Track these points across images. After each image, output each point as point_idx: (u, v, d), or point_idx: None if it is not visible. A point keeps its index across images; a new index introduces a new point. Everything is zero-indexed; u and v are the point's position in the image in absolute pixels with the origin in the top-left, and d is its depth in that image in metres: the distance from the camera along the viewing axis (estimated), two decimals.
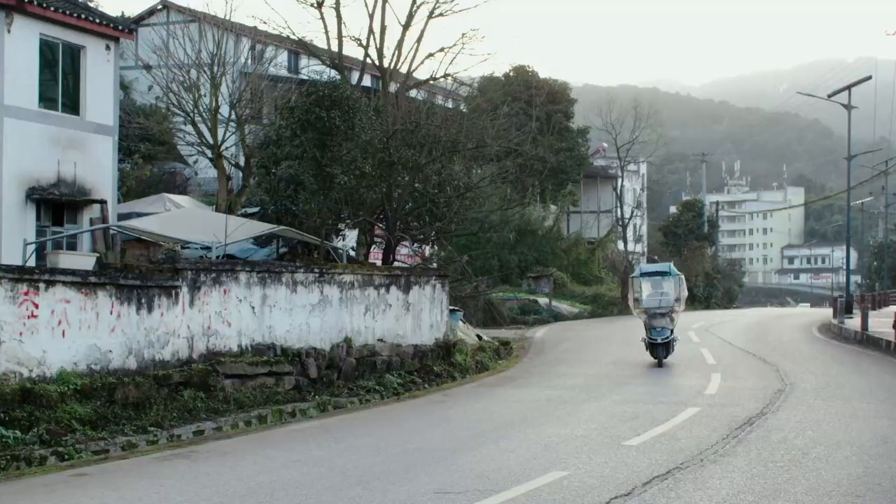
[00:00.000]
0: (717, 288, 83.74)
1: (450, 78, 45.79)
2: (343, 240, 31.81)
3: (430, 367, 27.68)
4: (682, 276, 31.66)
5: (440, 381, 26.86)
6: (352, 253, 32.41)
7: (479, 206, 38.71)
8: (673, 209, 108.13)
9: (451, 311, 32.05)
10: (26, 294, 17.53)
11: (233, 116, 40.05)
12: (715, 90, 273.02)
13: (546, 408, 20.77)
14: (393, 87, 41.63)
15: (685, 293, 31.34)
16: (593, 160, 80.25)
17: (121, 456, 16.16)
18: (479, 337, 36.78)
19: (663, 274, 31.39)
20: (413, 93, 44.78)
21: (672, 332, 29.85)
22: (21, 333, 17.41)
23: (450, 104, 48.82)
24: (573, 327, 46.90)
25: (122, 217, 32.97)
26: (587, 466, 14.03)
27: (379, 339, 26.53)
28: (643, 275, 31.78)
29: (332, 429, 18.77)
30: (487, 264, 50.16)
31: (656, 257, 59.79)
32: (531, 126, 46.60)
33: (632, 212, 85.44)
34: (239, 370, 21.28)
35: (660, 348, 29.55)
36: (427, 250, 37.01)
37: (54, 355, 17.96)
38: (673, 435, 16.87)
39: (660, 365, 29.18)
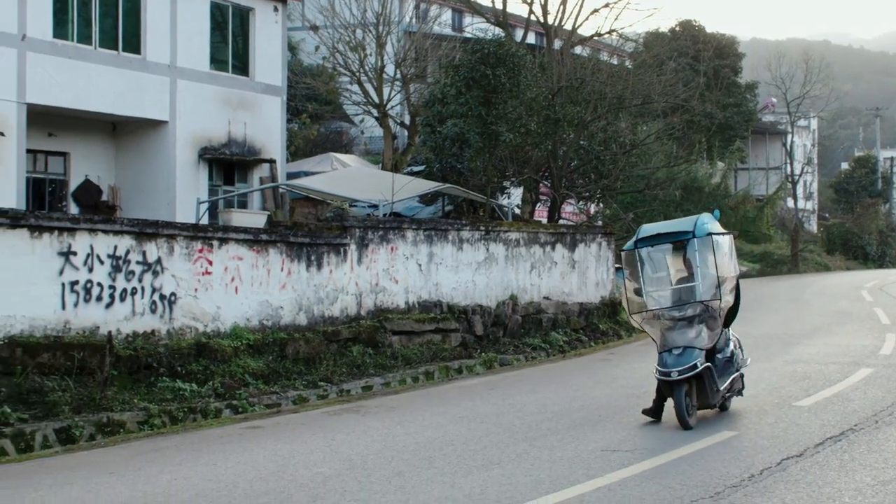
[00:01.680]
0: (891, 246, 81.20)
1: (615, 34, 45.22)
2: (508, 197, 31.81)
3: (596, 325, 27.55)
4: (729, 237, 15.31)
5: (606, 340, 26.71)
6: (517, 211, 32.39)
7: (645, 163, 38.23)
8: (845, 165, 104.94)
9: (617, 268, 31.76)
10: (201, 251, 17.99)
11: (398, 76, 40.26)
12: (889, 42, 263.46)
13: None
14: (557, 44, 41.27)
15: (735, 267, 15.35)
16: (761, 116, 78.41)
17: (292, 410, 16.52)
18: None
19: (680, 238, 14.97)
20: (577, 49, 44.35)
21: (715, 352, 14.52)
22: (196, 290, 17.88)
23: (614, 61, 48.25)
24: (741, 286, 46.06)
25: (290, 176, 33.55)
26: (757, 427, 13.80)
27: (544, 297, 26.47)
28: (641, 242, 15.13)
29: (497, 385, 18.84)
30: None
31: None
32: (698, 81, 45.55)
33: (802, 168, 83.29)
34: (406, 327, 21.48)
35: (680, 391, 13.76)
36: (592, 208, 36.77)
37: (228, 311, 18.40)
38: (846, 396, 16.44)
39: (685, 427, 13.61)
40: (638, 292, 15.05)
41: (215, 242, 18.27)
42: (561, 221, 33.03)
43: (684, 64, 54.45)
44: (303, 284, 19.86)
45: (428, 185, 27.69)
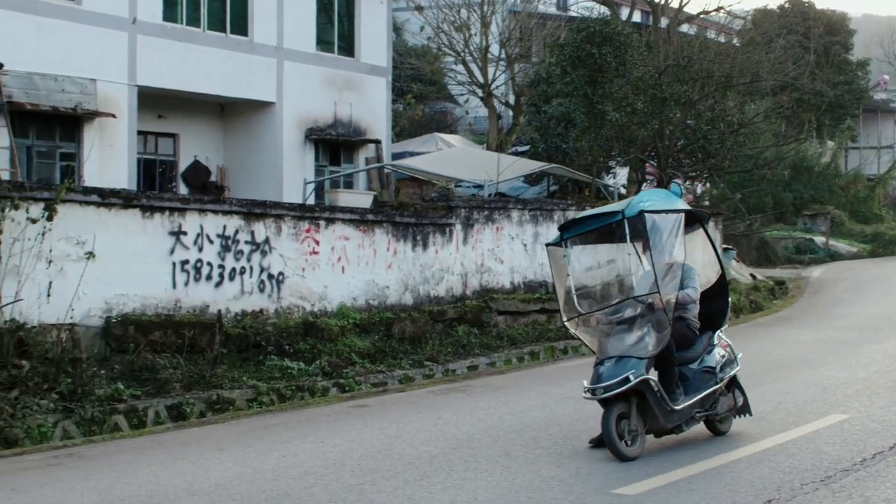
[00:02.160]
0: None
1: (722, 11, 44.62)
2: (614, 177, 31.58)
3: None
4: (675, 217, 11.40)
5: None
6: (622, 191, 32.12)
7: (753, 143, 37.64)
8: None
9: (725, 249, 31.37)
10: (308, 231, 18.15)
11: (502, 55, 40.15)
12: None
13: (823, 349, 20.12)
14: (664, 22, 40.82)
15: (710, 254, 12.79)
16: (873, 93, 76.74)
17: (398, 389, 16.59)
18: (753, 276, 35.89)
19: (609, 221, 11.57)
20: (684, 28, 43.83)
21: (689, 361, 11.56)
22: (303, 269, 18.05)
23: (722, 38, 47.57)
24: (851, 267, 45.18)
25: (395, 156, 33.66)
26: (868, 410, 13.50)
27: None
28: (568, 231, 11.91)
29: None
30: (761, 202, 48.80)
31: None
32: (808, 59, 44.74)
33: None
34: (511, 307, 21.47)
35: (610, 412, 10.66)
36: (699, 188, 36.34)
37: (334, 290, 18.55)
38: None
39: (620, 458, 10.52)
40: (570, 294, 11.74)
41: (322, 222, 18.42)
42: None
43: (794, 41, 53.52)
44: (408, 264, 19.94)
45: (533, 166, 27.59)
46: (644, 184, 34.12)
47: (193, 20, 27.87)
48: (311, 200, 27.46)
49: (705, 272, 12.25)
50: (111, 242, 15.26)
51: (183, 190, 28.81)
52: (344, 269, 18.70)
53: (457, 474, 10.03)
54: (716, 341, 11.83)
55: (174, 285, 16.21)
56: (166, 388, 14.56)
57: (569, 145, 27.92)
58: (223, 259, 16.87)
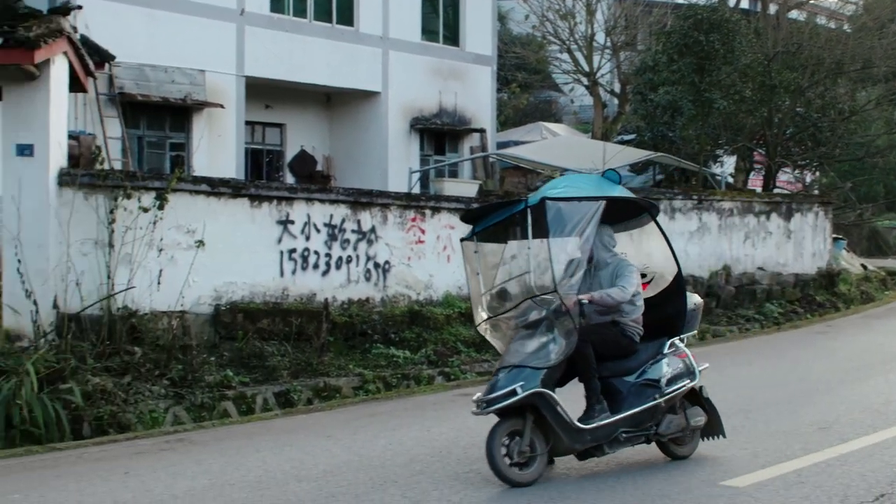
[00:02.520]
0: None
1: None
2: (721, 166, 31.19)
3: (812, 297, 26.77)
4: (590, 205, 9.62)
5: (823, 312, 25.94)
6: (730, 179, 31.74)
7: (864, 131, 36.88)
8: None
9: (835, 239, 30.81)
10: (413, 220, 18.21)
11: (608, 43, 39.85)
12: None
13: None
14: (772, 9, 40.16)
15: (667, 251, 10.50)
16: None
17: None
18: (864, 266, 35.20)
19: (514, 210, 9.99)
20: (793, 14, 43.08)
21: (625, 373, 9.96)
22: (409, 258, 18.12)
23: (832, 24, 46.68)
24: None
25: (499, 145, 33.65)
26: None
27: (758, 268, 25.87)
28: (478, 224, 10.38)
29: (711, 357, 18.43)
30: (872, 191, 47.82)
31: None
32: None
33: None
34: None
35: (495, 430, 9.17)
36: (808, 176, 35.73)
37: (439, 279, 18.59)
38: None
39: (507, 482, 9.10)
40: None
41: (428, 212, 18.47)
42: (776, 190, 32.19)
43: None
44: None
45: (639, 154, 27.36)
46: (752, 172, 33.68)
47: (300, 11, 28.14)
48: (415, 190, 27.56)
49: (662, 271, 10.54)
50: (220, 231, 15.47)
51: (290, 179, 29.12)
52: (449, 258, 18.72)
53: (560, 463, 9.99)
54: (666, 350, 10.06)
55: (282, 273, 16.38)
56: (274, 375, 14.73)
57: (675, 134, 27.62)
58: (330, 248, 17.01)
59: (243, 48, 26.69)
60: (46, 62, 13.62)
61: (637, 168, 30.25)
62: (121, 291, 14.05)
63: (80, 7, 22.02)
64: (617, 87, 40.82)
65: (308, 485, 9.26)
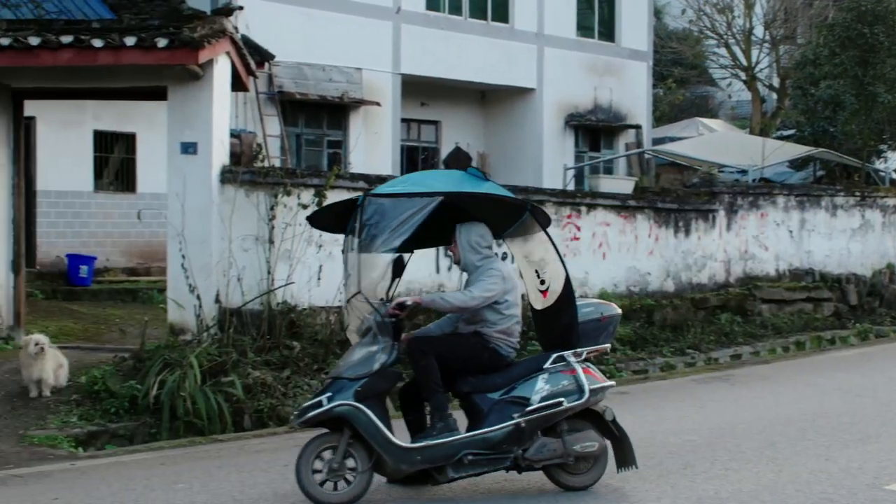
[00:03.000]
0: None
1: None
2: (885, 162, 30.32)
3: None
4: (414, 201, 8.56)
5: None
6: (894, 175, 30.83)
7: None
8: None
9: None
10: (569, 217, 18.14)
11: (767, 37, 39.12)
12: None
13: None
14: None
15: (554, 257, 9.25)
16: None
17: (659, 376, 16.41)
18: None
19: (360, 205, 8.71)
20: None
21: (486, 389, 8.88)
22: (565, 255, 17.95)
23: None
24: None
25: (655, 142, 33.33)
26: None
27: None
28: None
29: (874, 357, 18.06)
30: None
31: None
32: None
33: None
34: (776, 295, 20.92)
35: (308, 445, 8.55)
36: None
37: (595, 276, 18.49)
38: None
39: (312, 500, 8.43)
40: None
41: (583, 208, 18.38)
42: None
43: None
44: (670, 251, 19.69)
45: (798, 150, 26.81)
46: None
47: (455, 8, 28.28)
48: (570, 186, 27.48)
49: (556, 277, 9.21)
50: None
51: None
52: (605, 255, 18.62)
53: (720, 464, 9.86)
54: (549, 364, 8.90)
55: (437, 270, 16.46)
56: None
57: (837, 129, 26.98)
58: None
59: (399, 46, 26.94)
60: (210, 62, 13.95)
61: (797, 164, 29.60)
62: (281, 287, 14.29)
63: (241, 8, 22.49)
64: (776, 82, 40.08)
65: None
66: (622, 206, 18.96)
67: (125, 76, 14.36)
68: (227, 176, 14.41)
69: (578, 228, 18.24)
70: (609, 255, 18.64)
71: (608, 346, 9.31)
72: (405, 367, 9.48)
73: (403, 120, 27.99)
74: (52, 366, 12.39)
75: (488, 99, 30.70)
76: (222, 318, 13.78)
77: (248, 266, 14.29)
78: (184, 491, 8.96)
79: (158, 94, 14.61)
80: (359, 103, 26.11)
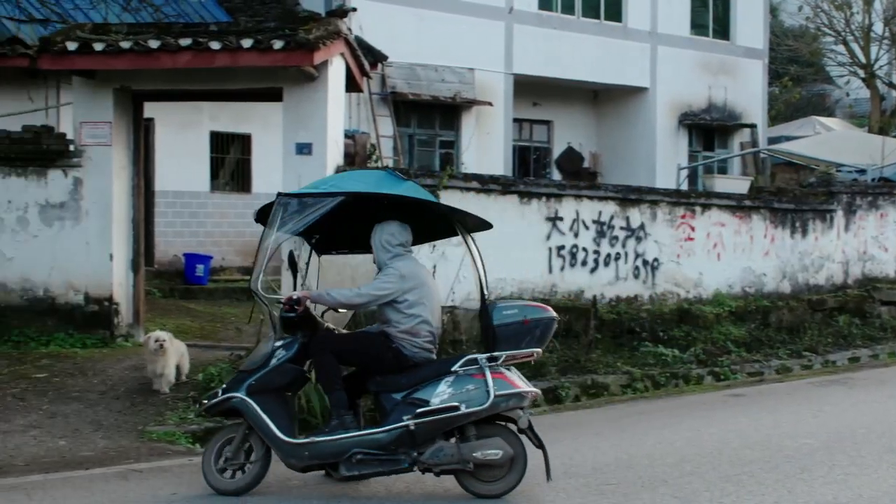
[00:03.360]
0: None
1: None
2: None
3: None
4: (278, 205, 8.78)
5: None
6: None
7: None
8: None
9: None
10: (683, 217, 17.96)
11: (886, 33, 38.35)
12: None
13: None
14: None
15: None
16: None
17: (775, 379, 16.18)
18: None
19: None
20: None
21: (399, 388, 8.79)
22: (678, 255, 17.89)
23: None
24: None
25: (770, 141, 32.88)
26: None
27: None
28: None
29: None
30: None
31: None
32: None
33: None
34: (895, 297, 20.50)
35: (218, 435, 9.14)
36: None
37: (709, 277, 18.29)
38: None
39: (214, 490, 8.78)
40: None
41: (697, 208, 18.19)
42: None
43: None
44: (786, 251, 19.40)
45: None
46: None
47: (568, 8, 28.22)
48: (683, 186, 27.23)
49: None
50: None
51: (556, 176, 29.22)
52: (719, 256, 18.41)
53: (839, 469, 9.67)
54: (457, 367, 8.67)
55: (550, 270, 16.44)
56: (542, 371, 14.76)
57: None
58: (598, 245, 16.97)
59: (511, 46, 26.95)
60: (325, 63, 14.08)
61: None
62: None
63: (354, 9, 22.73)
64: (895, 79, 39.28)
65: (577, 481, 9.25)
66: (737, 206, 18.72)
67: (241, 78, 14.56)
68: None
69: (693, 229, 18.05)
70: (724, 256, 18.43)
71: (535, 350, 8.89)
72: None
73: (515, 120, 27.99)
74: (173, 361, 12.67)
75: (601, 98, 30.55)
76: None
77: None
78: (298, 488, 9.05)
79: (274, 96, 14.80)
80: (471, 103, 26.17)
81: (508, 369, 8.75)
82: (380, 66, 24.01)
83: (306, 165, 14.22)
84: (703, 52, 30.69)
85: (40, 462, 9.94)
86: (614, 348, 16.23)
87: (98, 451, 10.41)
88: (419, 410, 8.53)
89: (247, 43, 13.62)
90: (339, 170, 14.54)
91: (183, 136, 22.31)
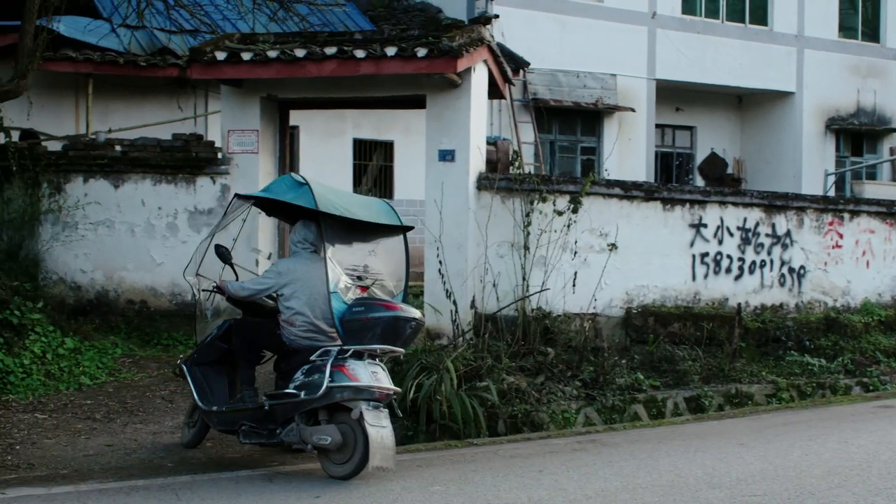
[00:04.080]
0: None
1: None
2: None
3: None
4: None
5: None
6: None
7: None
8: None
9: None
10: (830, 224, 17.60)
11: None
12: None
13: None
14: None
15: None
16: None
17: None
18: None
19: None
20: None
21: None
22: (825, 263, 17.54)
23: None
24: None
25: None
26: None
27: None
28: None
29: None
30: None
31: None
32: None
33: None
34: None
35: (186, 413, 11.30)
36: None
37: (857, 285, 17.88)
38: None
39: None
40: None
41: (846, 215, 17.80)
42: None
43: None
44: None
45: None
46: None
47: (712, 12, 27.90)
48: (831, 192, 26.68)
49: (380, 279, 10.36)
50: (632, 234, 15.55)
51: (699, 182, 28.89)
52: (868, 264, 17.98)
53: None
54: (315, 357, 9.45)
55: (693, 277, 16.26)
56: (685, 379, 14.62)
57: None
58: (743, 252, 16.72)
59: (654, 51, 26.74)
60: (468, 70, 14.16)
61: None
62: (536, 293, 14.38)
63: (497, 16, 22.80)
64: None
65: (721, 492, 9.12)
66: (888, 212, 18.25)
67: (385, 85, 14.73)
68: (483, 183, 14.61)
69: (840, 236, 17.67)
70: (873, 264, 18.00)
71: (390, 348, 9.54)
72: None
73: (657, 125, 27.76)
74: None
75: (745, 103, 30.11)
76: (477, 324, 13.96)
77: (504, 272, 14.44)
78: (440, 493, 9.09)
79: (416, 103, 14.94)
80: (613, 109, 26.05)
81: (363, 362, 9.38)
82: (521, 72, 24.05)
83: (449, 172, 14.32)
84: (852, 55, 30.02)
85: (188, 463, 10.19)
86: (759, 357, 15.99)
87: (243, 453, 10.63)
88: (272, 392, 9.72)
89: (391, 51, 13.77)
90: (481, 177, 14.63)
91: (326, 144, 22.64)
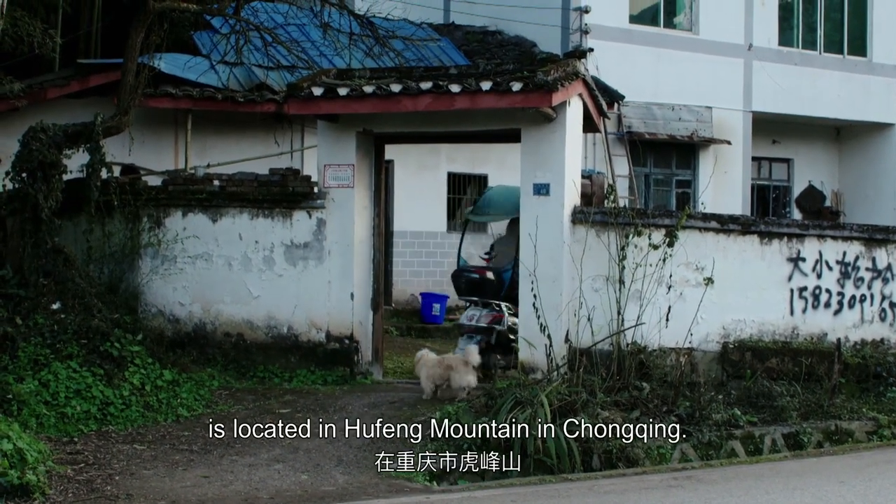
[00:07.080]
0: None
1: None
2: None
3: None
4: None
5: None
6: None
7: None
8: None
9: None
10: None
11: None
12: None
13: None
14: None
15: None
16: None
17: None
18: None
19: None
20: None
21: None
22: None
23: None
24: None
25: None
26: None
27: None
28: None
29: None
30: None
31: None
32: None
33: None
34: None
35: None
36: None
37: None
38: None
39: None
40: None
41: None
42: None
43: None
44: None
45: None
46: None
47: (809, 43, 27.64)
48: None
49: None
50: (728, 268, 15.37)
51: (796, 215, 28.52)
52: None
53: None
54: None
55: (791, 312, 16.03)
56: (782, 415, 14.36)
57: None
58: (842, 286, 16.46)
59: (751, 83, 26.53)
60: (563, 104, 14.18)
61: None
62: (631, 327, 14.27)
63: (591, 50, 22.79)
64: None
65: None
66: None
67: (479, 120, 14.79)
68: (578, 216, 14.58)
69: None
70: None
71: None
72: None
73: (754, 158, 27.49)
74: (424, 374, 14.11)
75: (843, 135, 29.71)
76: (572, 358, 13.88)
77: (598, 306, 14.35)
78: None
79: (510, 137, 14.98)
80: (708, 142, 25.86)
81: None
82: (616, 105, 24.00)
83: (544, 206, 14.33)
84: None
85: (283, 495, 10.24)
86: (859, 393, 15.67)
87: (338, 486, 10.66)
88: None
89: (486, 85, 13.84)
90: (575, 211, 14.61)
91: (421, 178, 22.76)
